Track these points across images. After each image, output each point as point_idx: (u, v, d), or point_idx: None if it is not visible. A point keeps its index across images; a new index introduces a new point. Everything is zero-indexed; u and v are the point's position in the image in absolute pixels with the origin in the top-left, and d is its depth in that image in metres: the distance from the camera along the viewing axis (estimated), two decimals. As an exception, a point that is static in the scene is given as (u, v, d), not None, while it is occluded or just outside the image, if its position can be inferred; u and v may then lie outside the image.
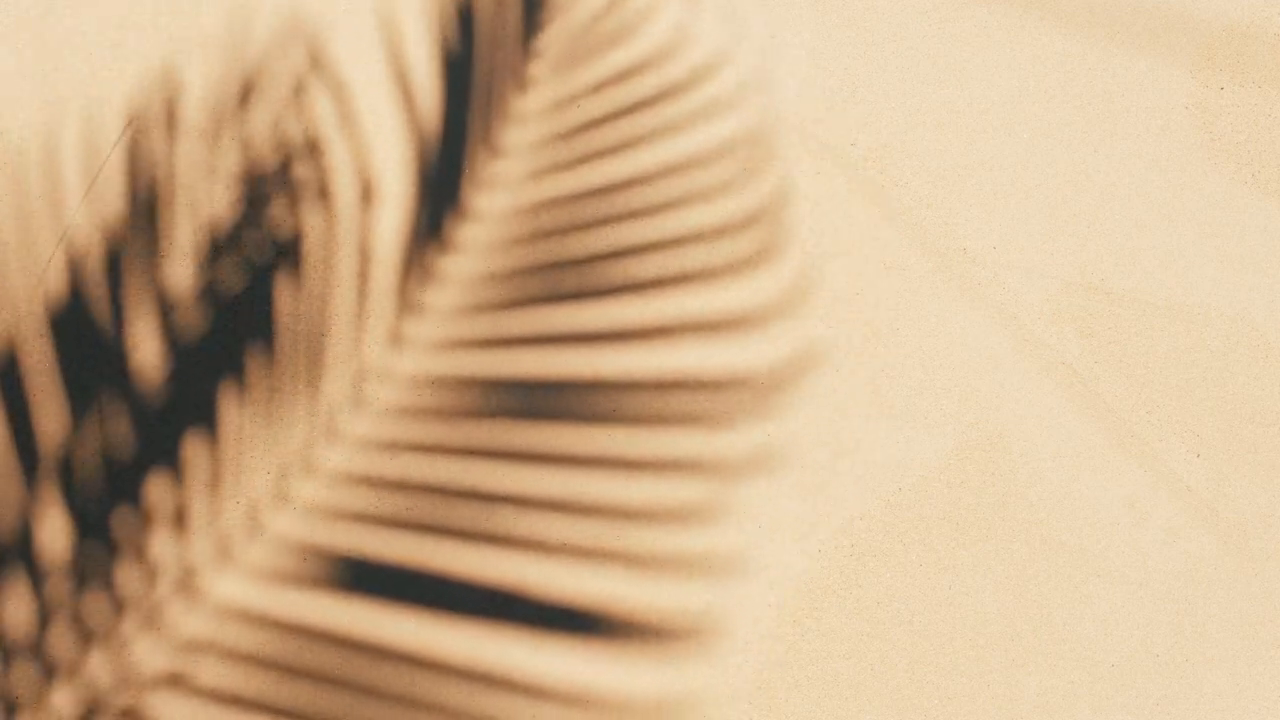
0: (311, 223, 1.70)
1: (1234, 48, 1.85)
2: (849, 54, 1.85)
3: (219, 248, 1.66)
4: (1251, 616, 1.58)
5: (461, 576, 1.59)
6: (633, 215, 1.74)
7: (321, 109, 1.79)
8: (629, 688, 1.55)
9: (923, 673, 1.56)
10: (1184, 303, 1.72)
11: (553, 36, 1.81)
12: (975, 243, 1.76)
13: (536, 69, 1.79)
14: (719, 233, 1.72)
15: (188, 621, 1.57)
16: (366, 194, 1.70)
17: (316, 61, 1.75)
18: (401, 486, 1.62)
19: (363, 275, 1.69)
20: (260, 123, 1.73)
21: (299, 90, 1.73)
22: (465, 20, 1.82)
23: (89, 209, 1.73)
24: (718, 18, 1.84)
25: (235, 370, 1.66)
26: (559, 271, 1.71)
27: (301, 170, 1.68)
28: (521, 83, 1.78)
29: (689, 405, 1.66)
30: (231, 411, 1.65)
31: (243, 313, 1.67)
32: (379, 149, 1.78)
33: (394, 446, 1.63)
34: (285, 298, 1.67)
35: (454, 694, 1.54)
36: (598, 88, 1.79)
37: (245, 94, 1.71)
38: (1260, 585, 1.60)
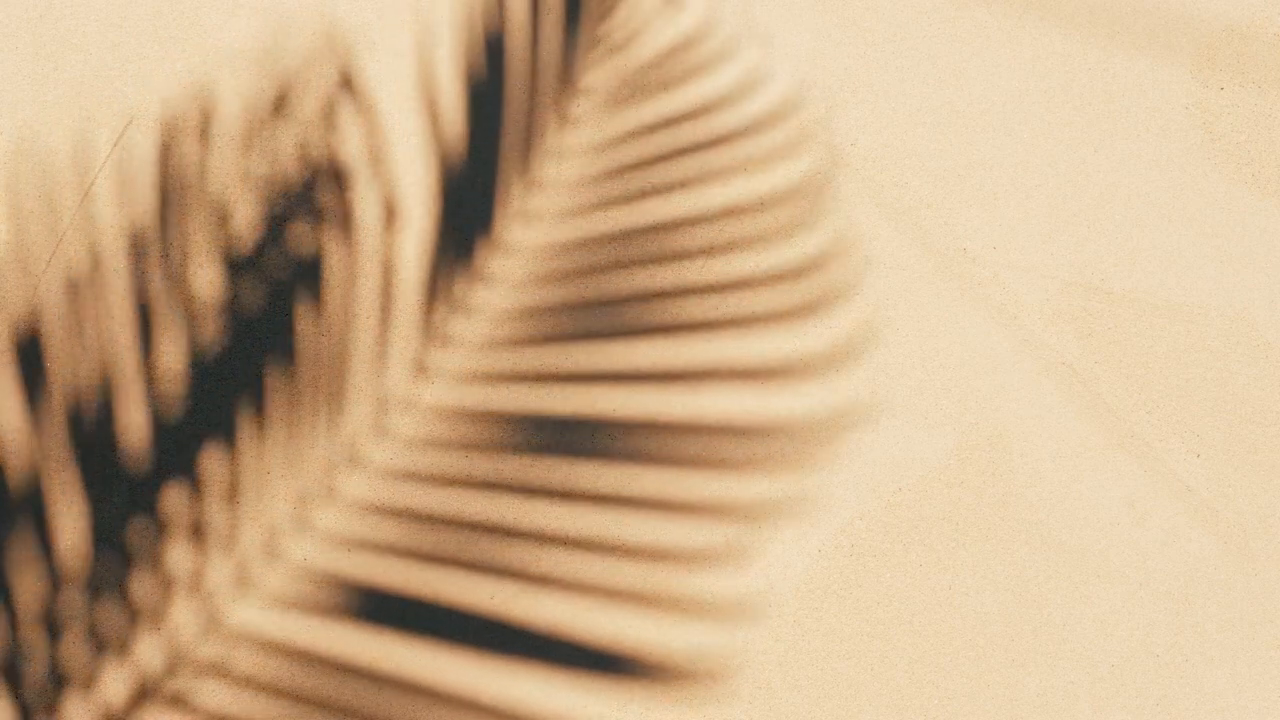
0: (336, 246, 1.71)
1: (1234, 48, 1.85)
2: (849, 54, 1.85)
3: (242, 263, 1.66)
4: (1251, 616, 1.58)
5: (477, 611, 1.58)
6: (669, 258, 1.73)
7: (351, 131, 1.79)
8: None
9: (923, 673, 1.56)
10: (1184, 303, 1.72)
11: (602, 76, 1.81)
12: (975, 243, 1.76)
13: (582, 106, 1.79)
14: (770, 280, 1.72)
15: (204, 646, 1.57)
16: (392, 219, 1.70)
17: (348, 83, 1.75)
18: (422, 518, 1.62)
19: (388, 302, 1.69)
20: (289, 139, 1.73)
21: (329, 107, 1.73)
22: (496, 52, 1.82)
23: (93, 211, 1.73)
24: (782, 66, 1.84)
25: (255, 388, 1.66)
26: (588, 310, 1.71)
27: (327, 189, 1.68)
28: (564, 118, 1.78)
29: (719, 449, 1.66)
30: (252, 433, 1.65)
31: (262, 330, 1.67)
32: (407, 175, 1.78)
33: (415, 477, 1.63)
34: (309, 320, 1.67)
35: None
36: (643, 130, 1.79)
37: (277, 107, 1.71)
38: (1260, 585, 1.60)
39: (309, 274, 1.68)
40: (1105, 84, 1.84)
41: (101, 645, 1.55)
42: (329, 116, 1.71)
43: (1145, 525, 1.62)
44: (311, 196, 1.66)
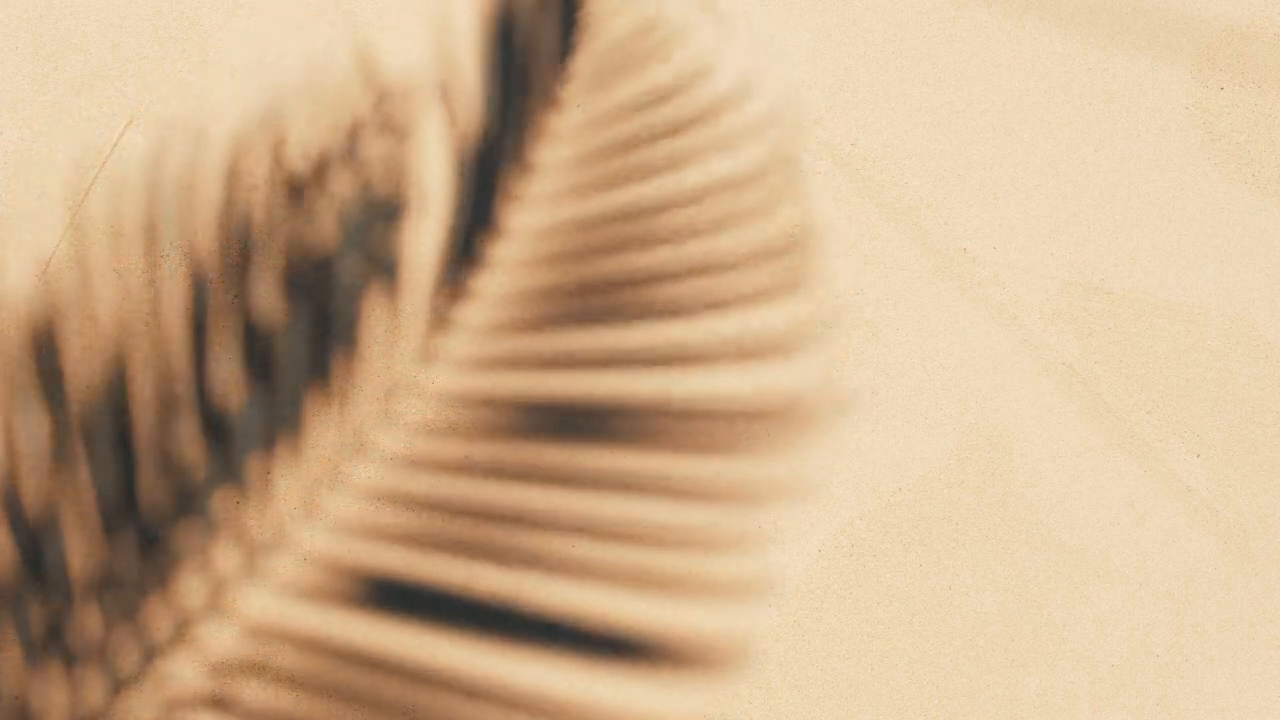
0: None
1: (1234, 48, 1.85)
2: (849, 54, 1.85)
3: (314, 268, 1.66)
4: (1251, 616, 1.58)
5: (487, 596, 1.58)
6: (667, 237, 1.73)
7: (363, 114, 1.79)
8: (662, 710, 1.55)
9: (923, 673, 1.56)
10: (1184, 303, 1.72)
11: (587, 57, 1.81)
12: (975, 243, 1.76)
13: (572, 88, 1.79)
14: (753, 257, 1.72)
15: (213, 635, 1.57)
16: (405, 204, 1.70)
17: (362, 67, 1.75)
18: (430, 504, 1.62)
19: (395, 289, 1.69)
20: (348, 171, 1.73)
21: (390, 136, 1.73)
22: (505, 35, 1.82)
23: (91, 212, 1.73)
24: (750, 40, 1.84)
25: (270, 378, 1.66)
26: (592, 291, 1.71)
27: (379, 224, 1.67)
28: (556, 101, 1.78)
29: (723, 430, 1.65)
30: (261, 420, 1.65)
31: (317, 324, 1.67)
32: (417, 162, 1.78)
33: (423, 463, 1.63)
34: (316, 308, 1.67)
35: (477, 713, 1.54)
36: (633, 109, 1.79)
37: (350, 139, 1.71)
38: (1260, 585, 1.60)
39: (382, 270, 1.68)
40: (1105, 84, 1.84)
41: (111, 631, 1.55)
42: (385, 149, 1.71)
43: (1145, 525, 1.62)
44: (367, 231, 1.66)
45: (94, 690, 1.54)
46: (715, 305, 1.70)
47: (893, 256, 1.75)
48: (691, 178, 1.76)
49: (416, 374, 1.66)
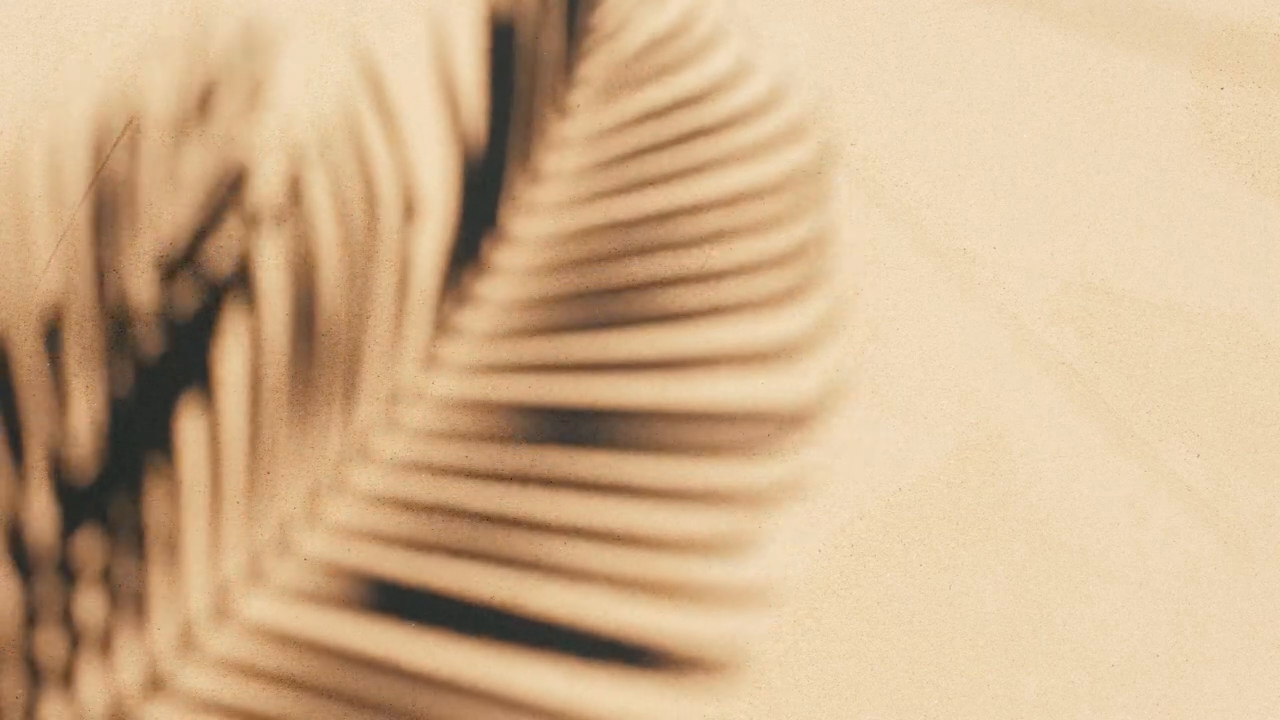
0: (350, 241, 1.70)
1: (1234, 48, 1.85)
2: (849, 54, 1.86)
3: (176, 263, 1.65)
4: (1251, 616, 1.58)
5: (486, 600, 1.58)
6: (670, 246, 1.73)
7: (369, 125, 1.79)
8: (661, 713, 1.55)
9: (923, 673, 1.56)
10: (1184, 303, 1.72)
11: (597, 65, 1.81)
12: (975, 243, 1.76)
13: (579, 96, 1.79)
14: (759, 267, 1.72)
15: (216, 640, 1.57)
16: (408, 212, 1.70)
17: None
18: (432, 509, 1.62)
19: (402, 294, 1.69)
20: (219, 134, 1.73)
21: (254, 101, 1.72)
22: (508, 42, 1.82)
23: (85, 211, 1.73)
24: (772, 54, 1.84)
25: (195, 387, 1.65)
26: (595, 299, 1.71)
27: (254, 188, 1.67)
28: (563, 109, 1.78)
29: (723, 436, 1.65)
30: (264, 430, 1.65)
31: (200, 330, 1.67)
32: (421, 167, 1.78)
33: (426, 469, 1.63)
34: (320, 315, 1.67)
35: (476, 718, 1.54)
36: (639, 119, 1.79)
37: (205, 102, 1.70)
38: (1260, 585, 1.60)
39: (238, 274, 1.68)
40: (1105, 84, 1.84)
41: (112, 636, 1.55)
42: (248, 113, 1.70)
43: (1145, 525, 1.62)
44: (239, 192, 1.65)
45: (94, 694, 1.54)
46: (718, 312, 1.70)
47: (893, 256, 1.75)
48: (701, 188, 1.77)
49: (420, 379, 1.66)
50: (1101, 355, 1.70)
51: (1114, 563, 1.60)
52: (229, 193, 1.67)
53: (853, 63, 1.84)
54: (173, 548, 1.60)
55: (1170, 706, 1.55)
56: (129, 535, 1.60)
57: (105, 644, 1.55)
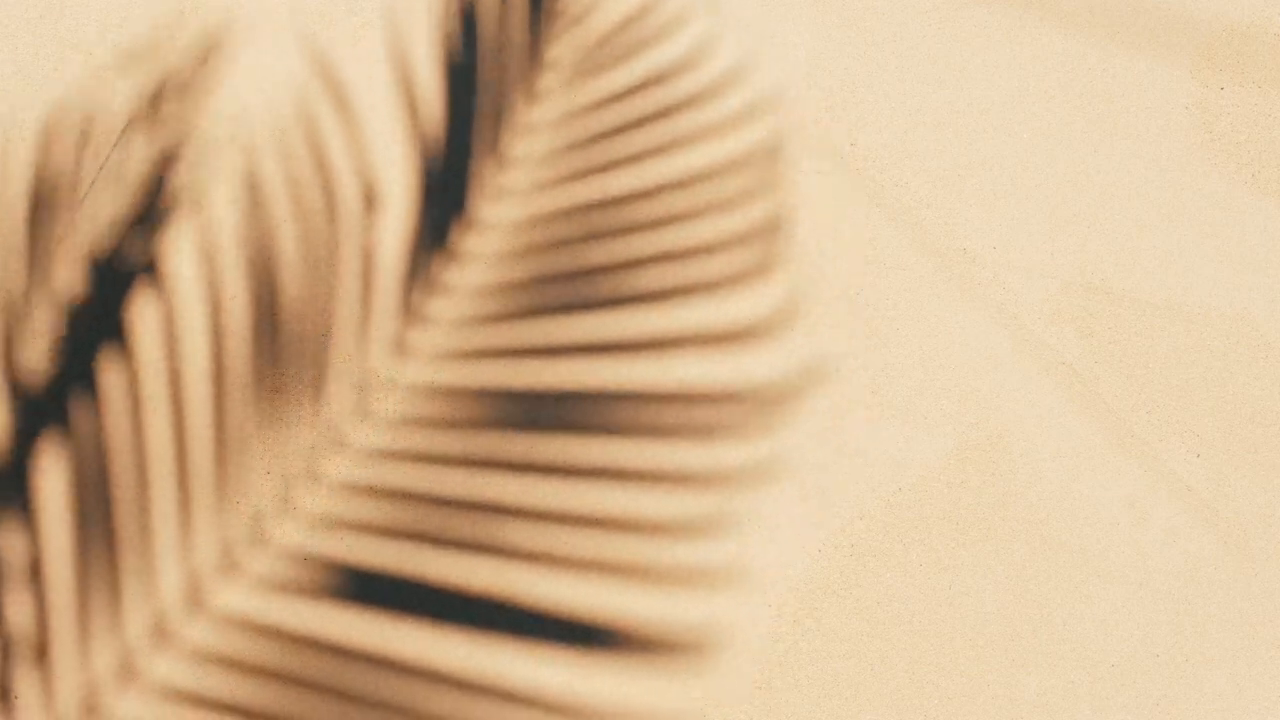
0: (317, 228, 1.70)
1: (1234, 48, 1.85)
2: (849, 54, 1.86)
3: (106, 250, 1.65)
4: (1251, 616, 1.58)
5: (462, 587, 1.58)
6: (639, 228, 1.74)
7: (325, 115, 1.79)
8: (633, 699, 1.55)
9: (923, 673, 1.56)
10: (1184, 303, 1.72)
11: (564, 50, 1.81)
12: (975, 243, 1.76)
13: (547, 81, 1.79)
14: (725, 245, 1.72)
15: (190, 630, 1.57)
16: (370, 201, 1.70)
17: (319, 68, 1.75)
18: (405, 496, 1.62)
19: (367, 283, 1.69)
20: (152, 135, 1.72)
21: (188, 94, 1.71)
22: (470, 29, 1.82)
23: (85, 209, 1.73)
24: (734, 31, 1.85)
25: (87, 377, 1.65)
26: (564, 283, 1.71)
27: (176, 182, 1.66)
28: (531, 94, 1.78)
29: (695, 417, 1.66)
30: (234, 419, 1.65)
31: (102, 319, 1.67)
32: (383, 156, 1.78)
33: (398, 456, 1.63)
34: (290, 302, 1.67)
35: (454, 705, 1.54)
36: (606, 101, 1.79)
37: (153, 99, 1.69)
38: (1260, 585, 1.60)
39: (146, 265, 1.67)
40: (1105, 84, 1.84)
41: (87, 628, 1.55)
42: (186, 108, 1.70)
43: (1145, 525, 1.62)
44: (162, 187, 1.63)
45: (67, 685, 1.54)
46: (688, 293, 1.70)
47: (893, 256, 1.75)
48: (668, 168, 1.76)
49: (390, 367, 1.66)
50: (1101, 355, 1.70)
51: (1114, 563, 1.60)
52: (168, 184, 1.66)
53: (853, 63, 1.85)
54: (145, 539, 1.60)
55: (1170, 706, 1.55)
56: (99, 527, 1.60)
57: (80, 635, 1.55)
